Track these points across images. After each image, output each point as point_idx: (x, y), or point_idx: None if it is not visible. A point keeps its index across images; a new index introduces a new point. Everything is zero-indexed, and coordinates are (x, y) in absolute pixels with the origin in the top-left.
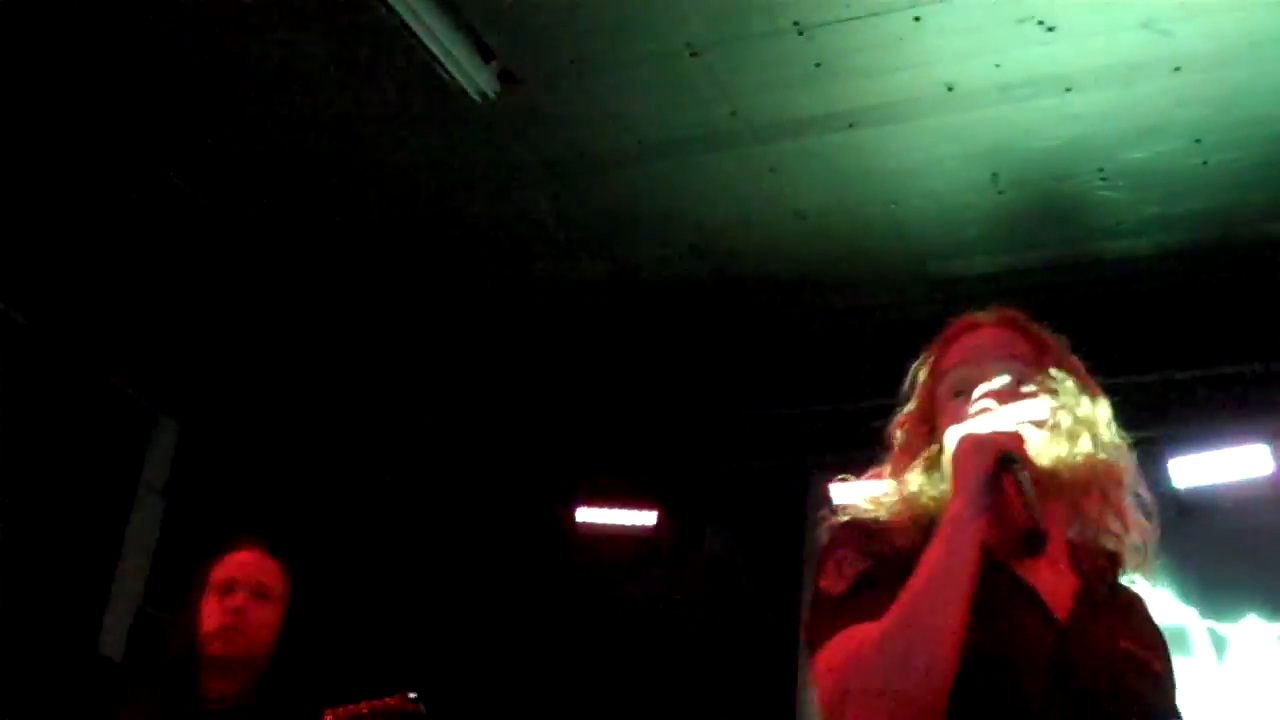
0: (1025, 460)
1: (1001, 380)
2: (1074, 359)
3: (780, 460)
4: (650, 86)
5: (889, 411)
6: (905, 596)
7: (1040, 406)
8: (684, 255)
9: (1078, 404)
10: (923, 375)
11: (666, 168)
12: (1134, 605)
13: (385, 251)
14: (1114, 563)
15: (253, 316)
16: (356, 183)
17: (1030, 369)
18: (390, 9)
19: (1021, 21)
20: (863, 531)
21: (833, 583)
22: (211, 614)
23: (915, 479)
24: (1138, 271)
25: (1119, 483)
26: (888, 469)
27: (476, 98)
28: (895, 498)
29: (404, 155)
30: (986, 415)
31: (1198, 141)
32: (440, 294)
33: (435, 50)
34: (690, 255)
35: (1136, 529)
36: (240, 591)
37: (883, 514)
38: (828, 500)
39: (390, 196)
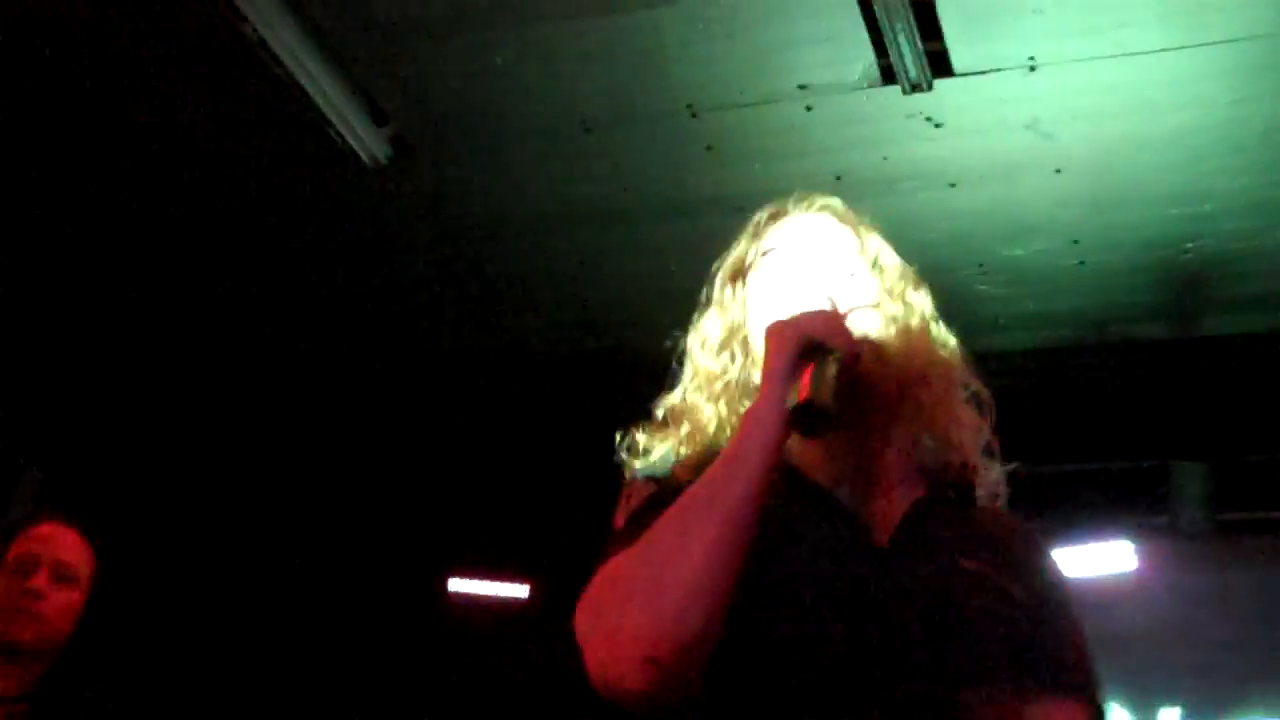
0: (848, 353)
1: (824, 269)
2: (890, 249)
3: None
4: (544, 160)
5: None
6: (672, 507)
7: (866, 292)
8: (572, 329)
9: (904, 292)
10: (725, 277)
11: (557, 241)
12: (996, 524)
13: (267, 313)
14: (965, 478)
15: (125, 371)
16: (240, 242)
17: (852, 257)
18: (282, 66)
19: (910, 117)
20: (658, 460)
21: (618, 522)
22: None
23: (707, 396)
24: (1013, 367)
25: (953, 380)
26: (681, 393)
27: (368, 162)
28: (700, 413)
29: (290, 216)
30: (804, 304)
31: (1075, 242)
32: (320, 358)
33: (327, 111)
34: (578, 329)
35: (981, 432)
36: (39, 571)
37: (682, 436)
38: None
39: (274, 257)
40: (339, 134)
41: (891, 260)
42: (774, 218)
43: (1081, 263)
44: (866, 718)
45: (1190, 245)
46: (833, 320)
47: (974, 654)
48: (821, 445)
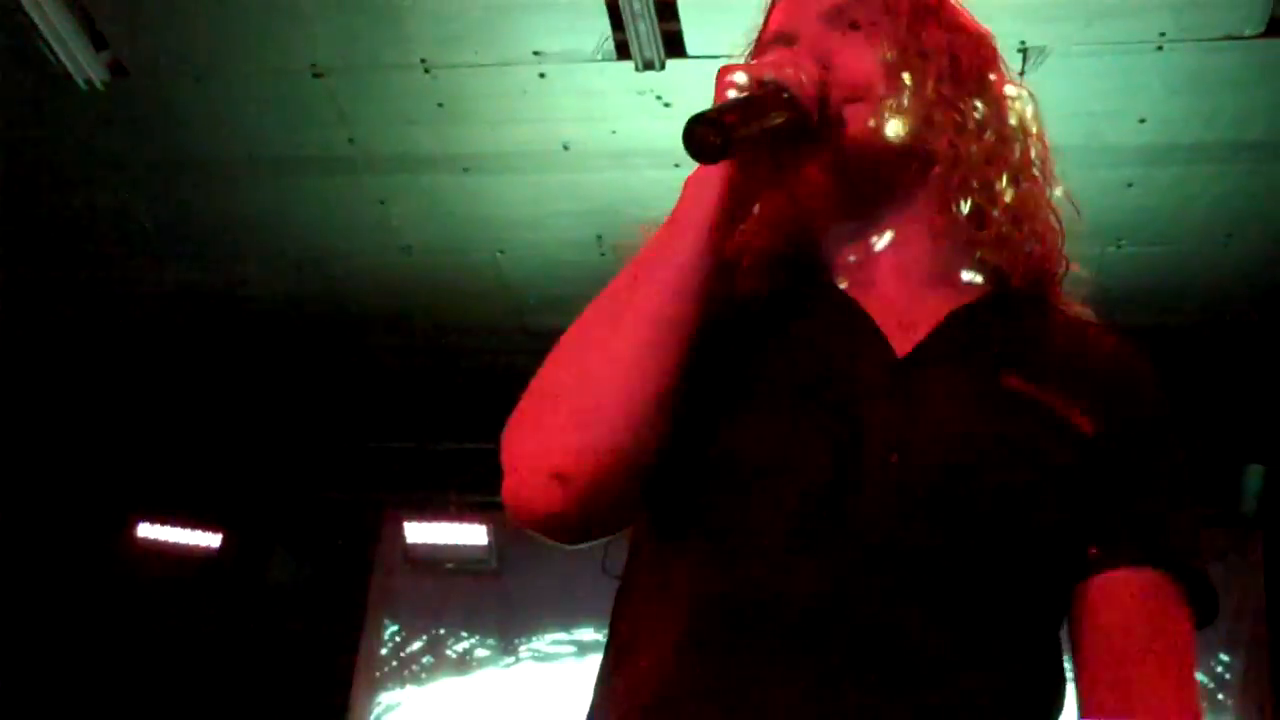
0: (806, 94)
1: (827, 24)
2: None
3: (356, 494)
4: (269, 101)
5: (472, 456)
6: (600, 294)
7: (873, 38)
8: (286, 275)
9: (926, 30)
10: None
11: (277, 185)
12: (1078, 336)
13: None
14: (1040, 271)
15: None
16: None
17: (861, 10)
18: None
19: (641, 94)
20: None
21: None
22: None
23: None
24: None
25: (1008, 139)
26: None
27: (83, 85)
28: None
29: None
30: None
31: None
32: (15, 286)
33: (44, 30)
34: (293, 276)
35: (1059, 213)
36: None
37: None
38: (399, 538)
39: None
40: (54, 53)
41: (937, 9)
42: None
43: None
44: (829, 576)
45: None
46: (785, 69)
47: (1001, 503)
48: (840, 240)
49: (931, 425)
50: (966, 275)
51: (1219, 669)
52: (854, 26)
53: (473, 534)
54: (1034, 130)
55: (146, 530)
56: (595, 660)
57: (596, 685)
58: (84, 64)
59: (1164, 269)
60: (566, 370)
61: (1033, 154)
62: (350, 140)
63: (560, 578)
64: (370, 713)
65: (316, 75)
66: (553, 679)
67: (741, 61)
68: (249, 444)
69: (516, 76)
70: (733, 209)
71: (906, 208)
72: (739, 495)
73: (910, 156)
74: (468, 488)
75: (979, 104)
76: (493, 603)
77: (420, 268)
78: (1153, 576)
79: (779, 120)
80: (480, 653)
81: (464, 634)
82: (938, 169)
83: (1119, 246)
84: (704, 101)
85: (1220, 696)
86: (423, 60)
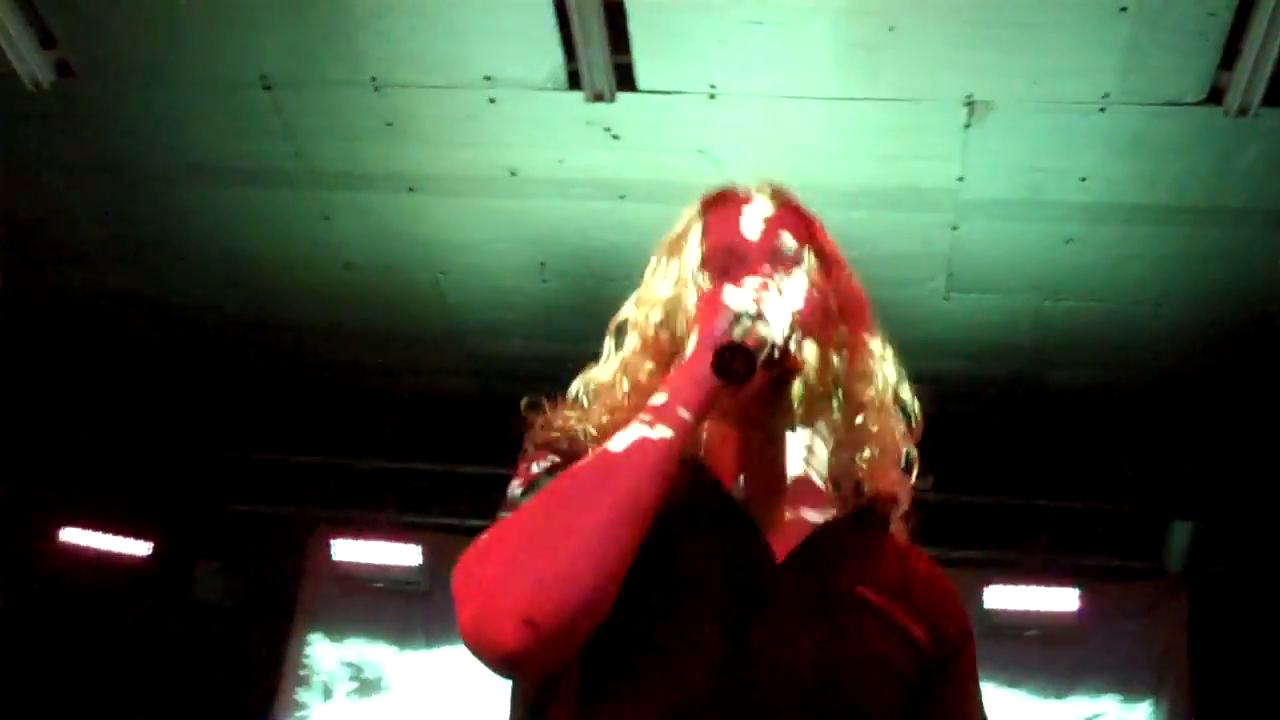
0: (780, 333)
1: (776, 250)
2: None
3: (287, 508)
4: (216, 110)
5: (405, 475)
6: (579, 465)
7: (809, 285)
8: (221, 286)
9: (847, 293)
10: (669, 254)
11: (219, 195)
12: (908, 558)
13: None
14: (881, 501)
15: None
16: None
17: (800, 248)
18: None
19: (590, 124)
20: (568, 438)
21: (515, 488)
22: None
23: (648, 371)
24: None
25: (884, 394)
26: (601, 366)
27: (29, 84)
28: (619, 391)
29: None
30: (747, 284)
31: None
32: None
33: None
34: (228, 287)
35: (904, 453)
36: None
37: (604, 413)
38: (327, 554)
39: None
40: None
41: (840, 259)
42: (723, 198)
43: None
44: None
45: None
46: (770, 300)
47: (858, 693)
48: (735, 445)
49: (804, 624)
50: (835, 493)
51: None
52: (796, 265)
53: (405, 554)
54: (896, 378)
55: (71, 534)
56: None
57: None
58: (30, 63)
59: (1099, 325)
60: (550, 524)
61: (901, 399)
62: (296, 154)
63: None
64: None
65: (265, 87)
66: (481, 699)
67: (730, 291)
68: (182, 455)
69: (467, 100)
70: (711, 402)
71: (798, 429)
72: (643, 668)
73: (817, 388)
74: (401, 506)
75: (872, 350)
76: (421, 622)
77: (361, 285)
78: None
79: (769, 353)
80: (408, 672)
81: (392, 652)
82: (833, 402)
83: (1056, 301)
84: (650, 136)
85: None
86: (373, 78)
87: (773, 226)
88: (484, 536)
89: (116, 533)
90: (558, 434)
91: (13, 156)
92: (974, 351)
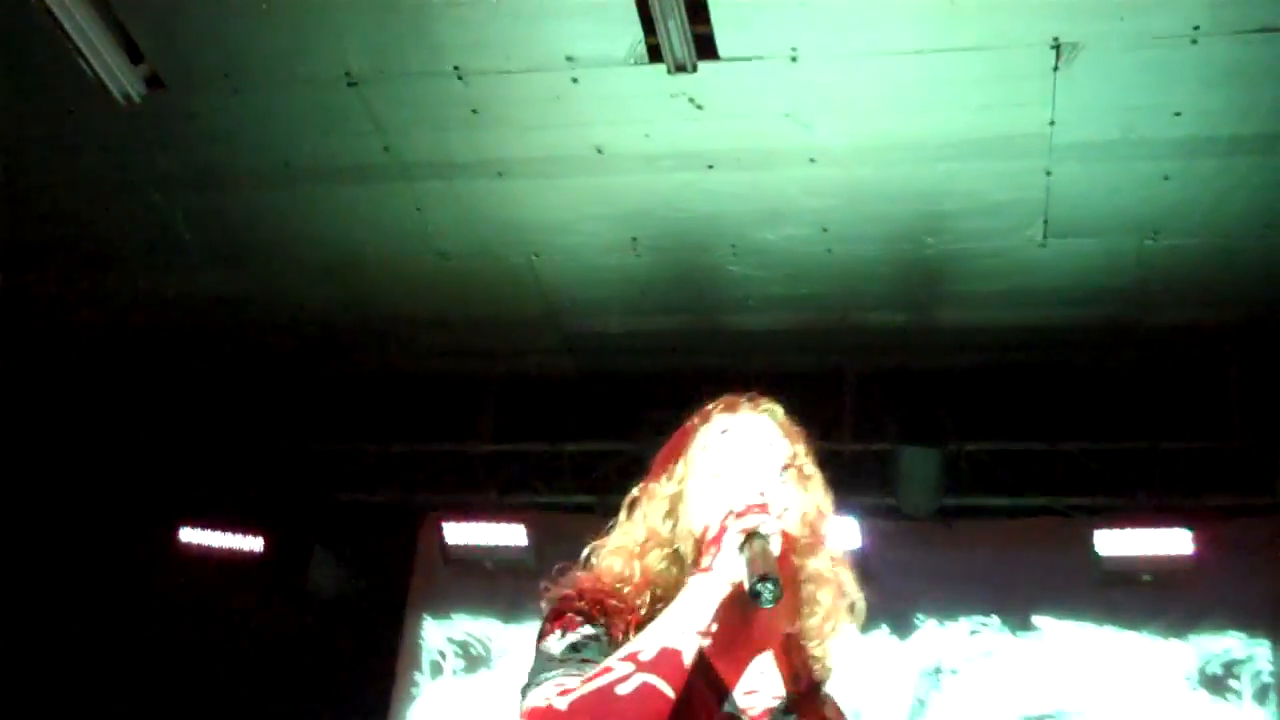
0: (783, 543)
1: (768, 467)
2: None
3: (395, 496)
4: (303, 110)
5: (510, 457)
6: (621, 657)
7: (791, 496)
8: (319, 282)
9: (819, 503)
10: (674, 454)
11: (311, 193)
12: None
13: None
14: (822, 678)
15: None
16: None
17: (786, 462)
18: None
19: (674, 97)
20: (590, 606)
21: (553, 644)
22: None
23: (655, 558)
24: (756, 344)
25: (841, 590)
26: (614, 540)
27: (120, 99)
28: (630, 573)
29: (38, 149)
30: (744, 494)
31: (824, 230)
32: (57, 297)
33: (81, 44)
34: (326, 283)
35: (846, 638)
36: None
37: (616, 586)
38: (440, 539)
39: (19, 191)
40: (90, 66)
41: (814, 472)
42: (727, 408)
43: (829, 250)
44: None
45: (931, 240)
46: (770, 520)
47: None
48: (725, 636)
49: None
50: (783, 669)
51: (1251, 664)
52: (798, 479)
53: (511, 534)
54: (849, 581)
55: (190, 535)
56: None
57: None
58: (120, 77)
59: (1201, 261)
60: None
61: (851, 598)
62: (385, 148)
63: None
64: (410, 711)
65: (350, 84)
66: None
67: (742, 508)
68: (289, 449)
69: (548, 82)
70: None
71: (765, 619)
72: None
73: (791, 577)
74: (506, 488)
75: (833, 557)
76: (530, 598)
77: (456, 272)
78: None
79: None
80: (517, 647)
81: (501, 629)
82: (799, 598)
83: (1155, 239)
84: (735, 104)
85: (1245, 695)
86: (455, 67)
87: (765, 442)
88: (544, 694)
89: (231, 530)
90: (583, 604)
91: (109, 172)
92: (1075, 297)
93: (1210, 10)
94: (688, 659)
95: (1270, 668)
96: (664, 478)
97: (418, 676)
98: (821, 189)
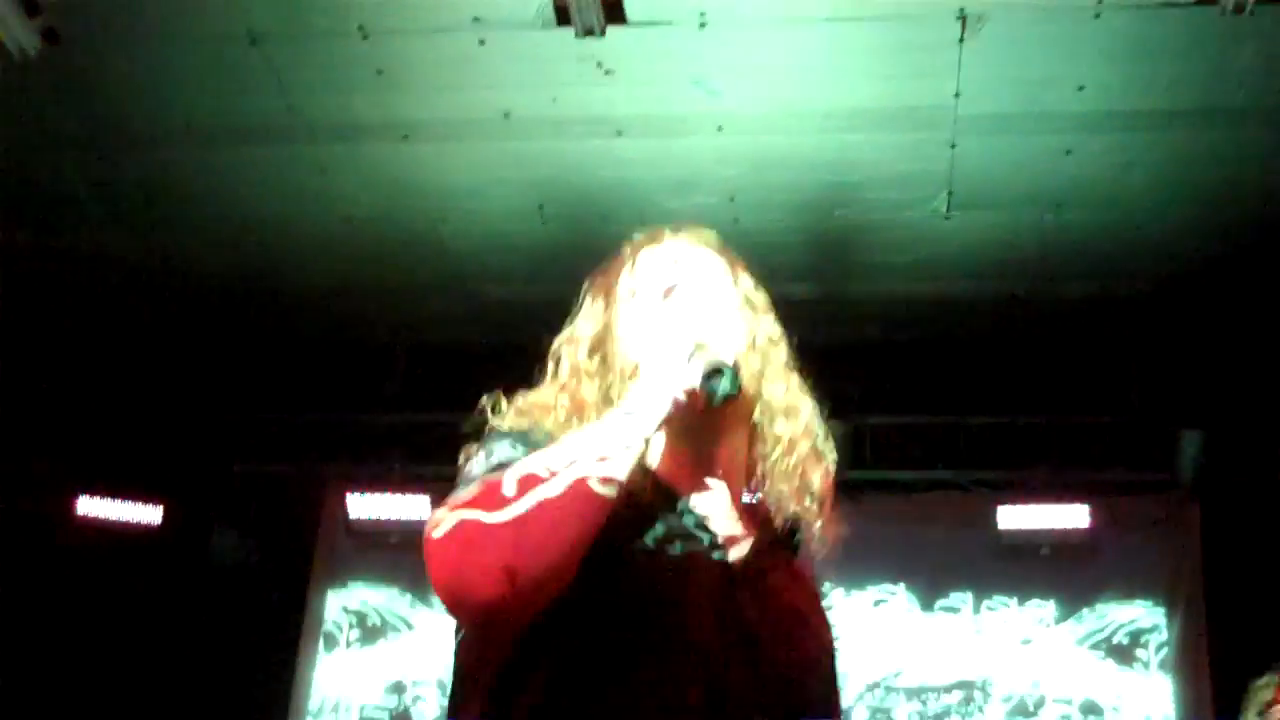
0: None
1: (709, 293)
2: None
3: (298, 467)
4: (205, 68)
5: (414, 427)
6: (557, 452)
7: (739, 323)
8: (220, 245)
9: (770, 329)
10: (598, 290)
11: (213, 154)
12: (807, 574)
13: None
14: (793, 524)
15: None
16: None
17: (728, 289)
18: None
19: (581, 61)
20: (516, 431)
21: (476, 466)
22: None
23: (587, 391)
24: None
25: (807, 427)
26: (537, 392)
27: (15, 53)
28: (566, 405)
29: None
30: (692, 323)
31: (732, 199)
32: None
33: None
34: (227, 246)
35: (818, 477)
36: None
37: (547, 424)
38: (344, 511)
39: None
40: None
41: (761, 299)
42: (653, 239)
43: (736, 220)
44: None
45: (837, 211)
46: (716, 331)
47: (812, 692)
48: (681, 461)
49: (760, 631)
50: (747, 513)
51: (1156, 634)
52: (744, 305)
53: (416, 506)
54: (815, 416)
55: (87, 505)
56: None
57: None
58: (15, 30)
59: (1103, 235)
60: (521, 499)
61: (817, 436)
62: (288, 108)
63: None
64: (313, 682)
65: (252, 42)
66: None
67: (685, 318)
68: (188, 418)
69: (456, 43)
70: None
71: (723, 454)
72: (605, 644)
73: (749, 420)
74: (411, 459)
75: (794, 388)
76: None
77: (360, 237)
78: None
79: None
80: (421, 621)
81: (406, 602)
82: (759, 434)
83: (1058, 213)
84: (643, 70)
85: (1158, 659)
86: (360, 26)
87: (705, 265)
88: (459, 501)
89: (130, 500)
90: (510, 427)
91: (4, 126)
92: (978, 270)
93: None
94: (627, 465)
95: (1166, 637)
96: (588, 321)
97: (319, 649)
98: (729, 157)
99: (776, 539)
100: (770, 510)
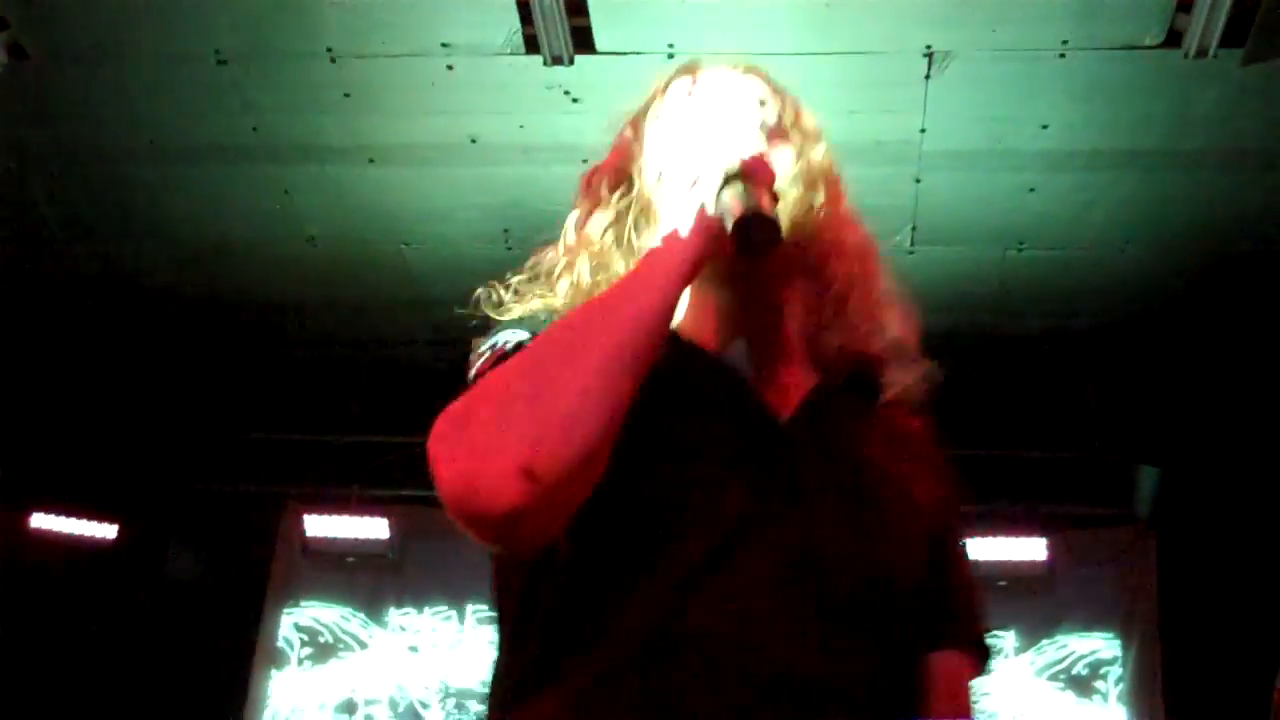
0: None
1: (756, 125)
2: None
3: (256, 486)
4: (171, 87)
5: (374, 448)
6: (566, 316)
7: (786, 149)
8: (183, 263)
9: (825, 159)
10: (630, 121)
11: (178, 172)
12: (901, 422)
13: None
14: (870, 370)
15: None
16: None
17: (774, 111)
18: None
19: (549, 89)
20: (532, 314)
21: (485, 366)
22: None
23: (611, 237)
24: None
25: (869, 265)
26: (562, 245)
27: None
28: (582, 264)
29: None
30: (725, 143)
31: None
32: None
33: None
34: (190, 264)
35: (895, 319)
36: None
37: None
38: (299, 530)
39: None
40: None
41: (812, 124)
42: (688, 69)
43: None
44: (736, 616)
45: None
46: (758, 159)
47: (883, 558)
48: (718, 313)
49: (819, 487)
50: (810, 362)
51: (1115, 666)
52: (781, 138)
53: (373, 527)
54: (875, 255)
55: (41, 520)
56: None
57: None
58: None
59: (1063, 272)
60: (543, 370)
61: (880, 269)
62: (254, 129)
63: (461, 569)
64: (266, 702)
65: (220, 62)
66: (448, 667)
67: (724, 155)
68: (146, 435)
69: (424, 68)
70: (705, 257)
71: (775, 298)
72: (656, 537)
73: (800, 258)
74: (369, 481)
75: (852, 225)
76: (391, 592)
77: (324, 258)
78: (965, 657)
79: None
80: (376, 641)
81: (360, 622)
82: (813, 274)
83: (1020, 250)
84: (611, 99)
85: (1116, 691)
86: (329, 49)
87: (746, 89)
88: (461, 399)
89: (84, 516)
90: (525, 314)
91: None
92: (939, 304)
93: (1079, 25)
94: (659, 315)
95: (1121, 671)
96: (613, 155)
97: (273, 668)
98: None
99: (844, 388)
100: (836, 359)
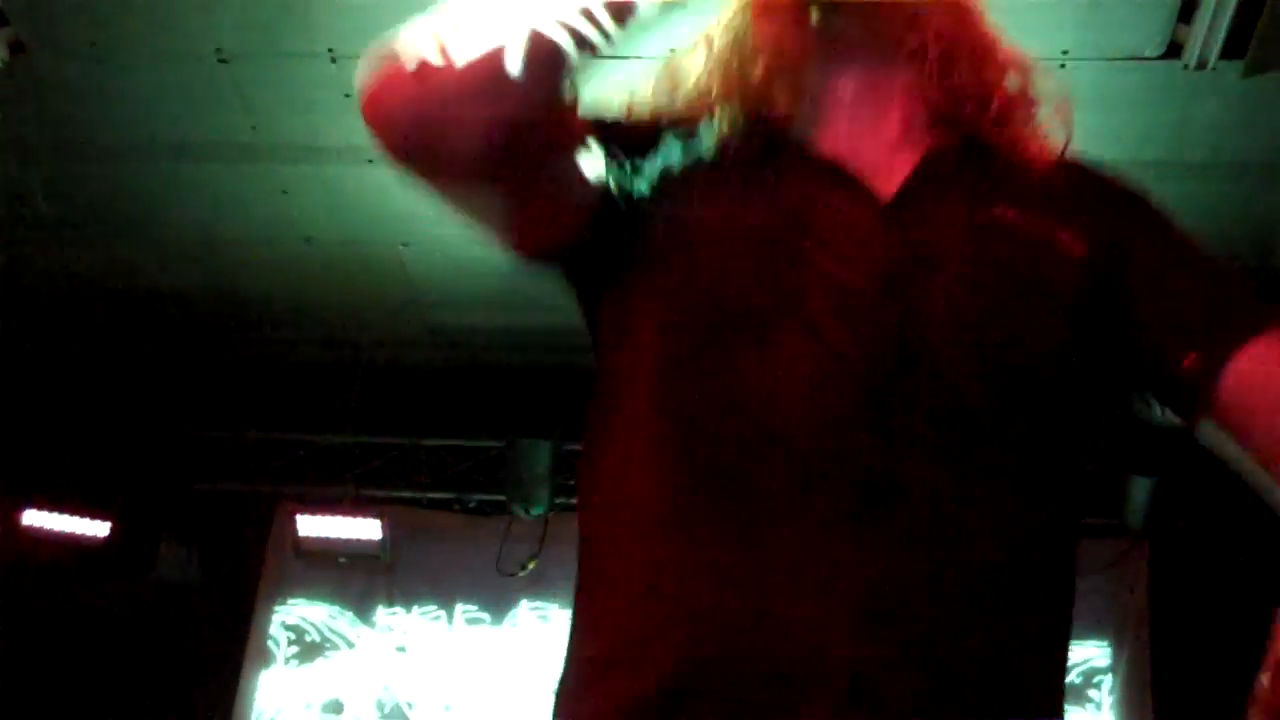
0: None
1: None
2: None
3: (249, 485)
4: (171, 84)
5: (369, 449)
6: None
7: None
8: (180, 261)
9: None
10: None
11: (176, 170)
12: (1054, 172)
13: None
14: (999, 121)
15: None
16: None
17: None
18: None
19: None
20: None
21: None
22: None
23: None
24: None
25: (967, 8)
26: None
27: None
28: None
29: None
30: None
31: None
32: None
33: None
34: (186, 263)
35: (1021, 71)
36: None
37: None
38: (292, 530)
39: None
40: None
41: None
42: None
43: None
44: (832, 422)
45: None
46: None
47: (1012, 326)
48: (808, 92)
49: (930, 265)
50: (934, 122)
51: (1102, 678)
52: None
53: (366, 528)
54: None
55: (32, 517)
56: (487, 652)
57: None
58: None
59: None
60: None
61: (983, 13)
62: (253, 128)
63: (452, 570)
64: (256, 702)
65: (221, 60)
66: (441, 670)
67: None
68: (140, 433)
69: None
70: None
71: (884, 58)
72: (733, 340)
73: (887, 26)
74: (362, 481)
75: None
76: (383, 593)
77: (321, 258)
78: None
79: None
80: (367, 642)
81: (351, 623)
82: (913, 30)
83: None
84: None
85: (1104, 705)
86: (330, 49)
87: None
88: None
89: (76, 514)
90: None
91: None
92: None
93: (1079, 35)
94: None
95: (1114, 679)
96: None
97: (263, 668)
98: None
99: (961, 154)
100: (957, 114)
